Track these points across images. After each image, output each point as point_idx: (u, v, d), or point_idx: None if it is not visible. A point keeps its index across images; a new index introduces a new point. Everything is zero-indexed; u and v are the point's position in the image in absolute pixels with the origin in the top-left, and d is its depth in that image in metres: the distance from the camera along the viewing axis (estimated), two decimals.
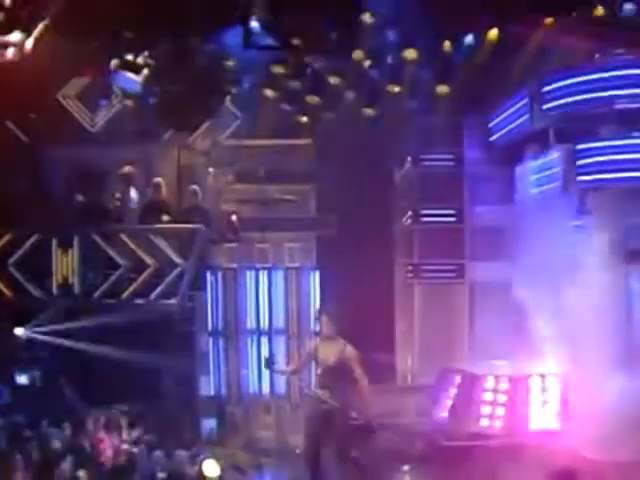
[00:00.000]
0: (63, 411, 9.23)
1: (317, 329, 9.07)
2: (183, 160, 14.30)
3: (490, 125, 12.79)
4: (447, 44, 11.26)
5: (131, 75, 12.15)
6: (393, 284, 14.26)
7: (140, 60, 11.77)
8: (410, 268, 13.01)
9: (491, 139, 12.80)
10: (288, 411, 11.67)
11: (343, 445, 8.27)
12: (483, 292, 12.77)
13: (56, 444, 7.82)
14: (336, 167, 13.42)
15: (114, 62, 11.86)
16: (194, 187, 12.66)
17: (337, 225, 13.02)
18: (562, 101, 10.58)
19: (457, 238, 12.87)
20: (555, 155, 11.12)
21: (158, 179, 12.75)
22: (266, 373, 11.71)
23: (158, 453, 9.54)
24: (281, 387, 11.72)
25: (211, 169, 13.97)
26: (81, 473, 7.17)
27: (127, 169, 12.78)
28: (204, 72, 11.60)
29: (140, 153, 13.66)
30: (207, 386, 11.98)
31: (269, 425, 11.83)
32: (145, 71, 11.90)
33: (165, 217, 12.34)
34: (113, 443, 9.21)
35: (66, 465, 6.67)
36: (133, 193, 12.72)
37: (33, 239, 12.01)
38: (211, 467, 8.65)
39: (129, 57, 11.72)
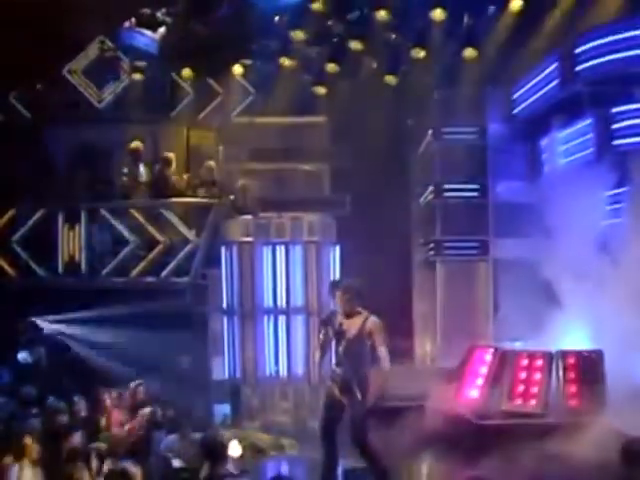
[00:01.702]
0: (73, 387, 8.71)
1: (333, 306, 8.43)
2: (192, 139, 13.87)
3: (514, 97, 12.28)
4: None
5: (148, 32, 11.65)
6: (410, 265, 13.81)
7: (158, 15, 11.28)
8: (432, 245, 12.47)
9: (515, 111, 12.28)
10: (307, 393, 11.10)
11: (359, 430, 7.66)
12: (507, 270, 12.22)
13: (64, 418, 7.30)
14: (352, 145, 13.05)
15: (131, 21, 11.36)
16: (210, 162, 12.16)
17: (352, 204, 12.53)
18: (595, 61, 10.05)
19: (480, 214, 12.32)
20: (587, 121, 10.59)
21: (168, 153, 12.25)
22: (283, 353, 11.18)
23: (172, 436, 9.06)
24: (299, 368, 11.16)
25: (221, 147, 13.51)
26: (96, 445, 6.63)
27: (135, 144, 12.33)
28: (229, 19, 11.08)
29: (148, 131, 13.23)
30: (221, 368, 11.44)
31: (287, 409, 11.26)
32: (162, 29, 11.39)
33: (176, 191, 11.84)
34: (126, 421, 8.68)
35: (77, 438, 6.14)
36: (141, 168, 12.23)
37: (38, 215, 11.55)
38: (233, 447, 8.08)
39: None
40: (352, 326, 7.68)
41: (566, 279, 10.91)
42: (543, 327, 10.88)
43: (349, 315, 7.69)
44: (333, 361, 8.08)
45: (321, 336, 7.80)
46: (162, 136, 13.37)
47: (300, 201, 12.25)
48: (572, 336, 10.51)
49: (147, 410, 9.53)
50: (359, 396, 7.44)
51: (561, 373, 9.58)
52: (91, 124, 13.12)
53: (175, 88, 13.74)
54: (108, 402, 8.61)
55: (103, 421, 8.28)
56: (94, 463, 6.53)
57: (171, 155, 12.17)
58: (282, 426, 10.96)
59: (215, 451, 5.57)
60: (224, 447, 5.60)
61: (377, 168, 12.53)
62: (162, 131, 13.48)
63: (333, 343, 7.76)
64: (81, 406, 8.13)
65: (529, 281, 11.51)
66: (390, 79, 11.56)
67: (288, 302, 11.16)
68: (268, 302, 11.21)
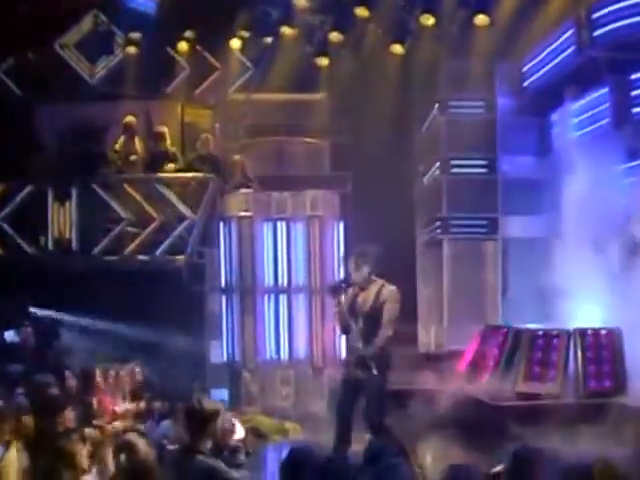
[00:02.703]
0: (62, 364, 8.23)
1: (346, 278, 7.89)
2: (188, 116, 13.37)
3: (524, 69, 11.78)
4: None
5: None
6: (414, 247, 13.33)
7: None
8: (438, 223, 11.96)
9: (525, 84, 11.79)
10: (310, 377, 10.60)
11: (375, 410, 7.17)
12: (517, 249, 11.74)
13: (54, 390, 6.82)
14: (353, 121, 12.59)
15: None
16: (206, 135, 11.64)
17: (353, 182, 12.05)
18: (614, 26, 9.55)
19: (489, 190, 11.79)
20: (603, 90, 10.11)
21: (162, 127, 11.73)
22: (285, 335, 10.66)
23: (167, 422, 8.58)
24: (301, 351, 10.66)
25: (217, 125, 13.01)
26: (87, 430, 6.16)
27: (129, 118, 11.84)
28: None
29: (141, 107, 12.73)
30: (219, 351, 10.93)
31: (288, 394, 10.75)
32: None
33: (172, 166, 11.34)
34: (119, 404, 8.20)
35: (70, 413, 5.67)
36: (136, 143, 11.72)
37: (27, 190, 11.03)
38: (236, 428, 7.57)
39: None
40: (367, 298, 7.24)
41: (579, 258, 10.48)
42: (555, 309, 10.47)
43: (363, 287, 7.20)
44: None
45: (336, 308, 7.28)
46: (156, 113, 12.86)
47: (300, 179, 11.78)
48: (585, 318, 10.08)
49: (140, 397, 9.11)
50: (375, 373, 6.95)
51: (579, 353, 9.10)
52: (83, 100, 12.61)
53: (170, 63, 13.26)
54: (100, 381, 8.11)
55: (95, 402, 7.78)
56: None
57: (165, 129, 11.67)
58: (283, 411, 10.48)
59: (194, 419, 5.05)
60: (205, 415, 5.08)
61: (379, 145, 12.02)
62: (156, 107, 12.97)
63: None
64: (72, 382, 7.65)
65: (540, 261, 11.10)
66: (397, 48, 11.04)
67: (290, 281, 10.66)
68: (269, 281, 10.70)
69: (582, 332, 9.25)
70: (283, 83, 12.53)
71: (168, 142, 11.65)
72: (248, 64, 13.22)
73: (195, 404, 5.17)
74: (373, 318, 7.20)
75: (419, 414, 8.83)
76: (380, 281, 7.42)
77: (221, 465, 5.08)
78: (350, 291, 7.27)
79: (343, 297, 7.24)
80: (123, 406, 8.36)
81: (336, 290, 7.30)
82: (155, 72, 12.95)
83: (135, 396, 8.80)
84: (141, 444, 5.02)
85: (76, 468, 4.73)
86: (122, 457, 4.93)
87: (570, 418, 8.12)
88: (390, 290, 7.36)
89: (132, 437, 5.23)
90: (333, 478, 4.14)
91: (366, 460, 4.71)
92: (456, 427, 8.54)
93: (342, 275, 9.18)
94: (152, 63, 12.93)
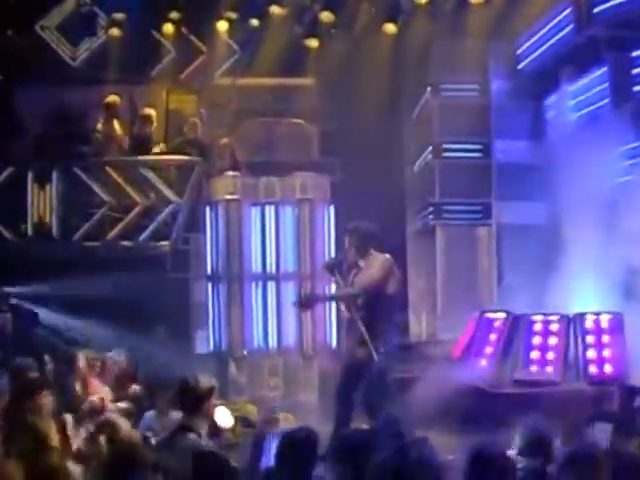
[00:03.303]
0: (42, 349, 7.85)
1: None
2: (172, 101, 13.00)
3: (519, 51, 11.50)
4: None
5: None
6: (404, 236, 13.01)
7: None
8: (430, 209, 11.64)
9: (520, 66, 11.50)
10: (300, 366, 10.24)
11: (374, 390, 6.90)
12: (512, 236, 11.44)
13: (33, 374, 6.47)
14: (342, 105, 12.26)
15: None
16: (193, 119, 11.28)
17: (342, 169, 11.71)
18: (614, 2, 9.27)
19: (483, 175, 11.50)
20: (602, 69, 9.84)
21: (149, 110, 11.35)
22: (273, 323, 10.30)
23: (150, 413, 8.23)
24: (290, 339, 10.29)
25: (203, 110, 12.64)
26: (67, 416, 5.82)
27: (112, 98, 11.42)
28: None
29: (125, 91, 12.32)
30: (205, 341, 10.56)
31: (277, 384, 10.39)
32: None
33: (156, 150, 10.96)
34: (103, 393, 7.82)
35: (46, 398, 5.31)
36: (117, 125, 11.33)
37: (5, 174, 10.61)
38: (224, 416, 7.22)
39: None
40: (362, 278, 6.91)
41: (575, 245, 10.20)
42: (550, 297, 10.20)
43: (359, 263, 6.91)
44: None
45: (334, 285, 6.99)
46: (140, 97, 12.47)
47: (288, 165, 11.43)
48: (581, 306, 9.80)
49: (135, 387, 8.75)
50: (375, 354, 6.65)
51: (579, 338, 8.81)
52: (65, 83, 12.22)
53: (155, 46, 12.88)
54: (83, 367, 7.74)
55: (78, 386, 7.41)
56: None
57: (152, 111, 11.28)
58: (272, 402, 10.12)
59: (188, 397, 4.72)
60: (200, 392, 4.75)
61: (369, 131, 11.72)
62: (140, 91, 12.58)
63: None
64: (51, 367, 7.28)
65: (535, 248, 10.85)
66: (389, 28, 10.72)
67: (278, 267, 10.29)
68: (256, 267, 10.32)
69: (582, 316, 8.98)
70: (271, 67, 12.21)
71: (154, 125, 11.26)
72: (235, 47, 12.88)
73: (190, 380, 4.83)
74: (371, 296, 6.91)
75: (414, 403, 8.56)
76: (374, 254, 7.14)
77: (216, 448, 4.74)
78: (348, 269, 6.97)
79: (338, 276, 6.95)
80: (108, 393, 7.98)
81: (331, 267, 7.01)
82: (139, 55, 12.61)
83: (119, 384, 8.42)
84: (123, 423, 4.67)
85: (50, 450, 4.36)
86: (102, 438, 4.57)
87: (570, 405, 7.89)
88: (375, 257, 7.07)
89: (113, 416, 4.88)
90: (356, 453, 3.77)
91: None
92: (453, 415, 8.25)
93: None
94: (136, 46, 12.58)
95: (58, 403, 5.83)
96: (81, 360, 7.64)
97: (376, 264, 7.03)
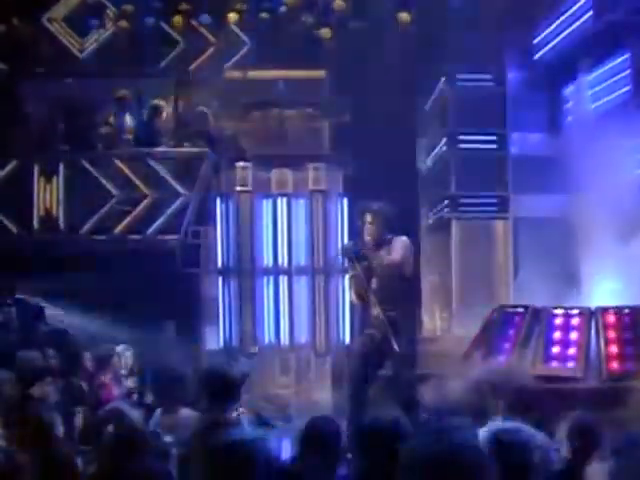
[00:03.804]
0: (47, 343, 7.62)
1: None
2: (181, 94, 12.77)
3: (536, 40, 11.24)
4: None
5: None
6: (417, 231, 12.75)
7: None
8: (446, 202, 11.38)
9: (537, 56, 11.24)
10: (312, 363, 10.00)
11: (403, 385, 6.66)
12: (529, 229, 11.17)
13: (38, 364, 6.25)
14: (354, 97, 12.02)
15: None
16: (201, 108, 11.04)
17: (353, 163, 11.46)
18: None
19: (499, 167, 11.25)
20: (623, 57, 9.57)
21: (159, 101, 11.12)
22: (285, 319, 10.06)
23: (158, 412, 8.01)
24: (302, 335, 10.05)
25: (213, 102, 12.41)
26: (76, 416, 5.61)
27: (122, 92, 11.20)
28: None
29: (133, 84, 12.11)
30: (215, 337, 10.32)
31: (289, 381, 10.15)
32: None
33: (166, 141, 10.74)
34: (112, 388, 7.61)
35: (50, 387, 5.09)
36: (128, 119, 11.11)
37: (11, 166, 10.39)
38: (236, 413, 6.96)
39: None
40: (381, 256, 6.72)
41: (595, 239, 9.93)
42: (569, 292, 9.94)
43: (377, 247, 6.70)
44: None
45: (351, 272, 6.75)
46: (149, 89, 12.26)
47: (299, 158, 11.19)
48: (602, 301, 9.52)
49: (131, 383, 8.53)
50: (395, 346, 6.41)
51: (601, 332, 8.52)
52: (71, 75, 12.03)
53: (164, 38, 12.67)
54: (89, 364, 7.53)
55: (85, 386, 7.19)
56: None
57: (162, 102, 11.06)
58: (284, 400, 9.88)
59: (217, 386, 4.42)
60: (233, 379, 4.47)
61: (381, 123, 11.48)
62: (149, 84, 12.37)
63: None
64: (56, 362, 7.06)
65: (553, 242, 10.61)
66: (403, 16, 10.46)
67: (290, 261, 10.05)
68: (268, 261, 10.09)
69: (604, 310, 8.68)
70: (282, 58, 11.97)
71: (164, 116, 11.04)
72: (245, 38, 12.67)
73: (221, 367, 4.54)
74: (388, 276, 6.76)
75: (432, 400, 8.32)
76: (394, 237, 6.99)
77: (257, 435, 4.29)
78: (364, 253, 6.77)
79: (357, 263, 6.73)
80: (116, 390, 7.76)
81: (349, 251, 6.80)
82: (148, 47, 12.43)
83: (127, 380, 8.21)
84: (130, 411, 4.43)
85: (56, 439, 4.13)
86: (109, 429, 4.32)
87: (591, 401, 7.63)
88: (401, 240, 7.00)
89: (119, 404, 4.64)
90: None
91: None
92: (471, 412, 8.00)
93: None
94: (145, 38, 12.43)
95: (64, 397, 5.62)
96: (87, 355, 7.42)
97: (398, 245, 6.87)
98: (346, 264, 7.03)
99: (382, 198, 11.10)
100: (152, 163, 10.33)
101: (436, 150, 12.00)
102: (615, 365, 8.54)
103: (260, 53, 12.36)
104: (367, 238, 6.93)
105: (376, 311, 6.68)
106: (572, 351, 8.56)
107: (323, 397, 9.74)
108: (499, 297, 11.00)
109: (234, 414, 6.77)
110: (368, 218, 6.96)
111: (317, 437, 3.84)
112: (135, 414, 4.47)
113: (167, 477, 3.59)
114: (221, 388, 4.49)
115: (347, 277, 6.99)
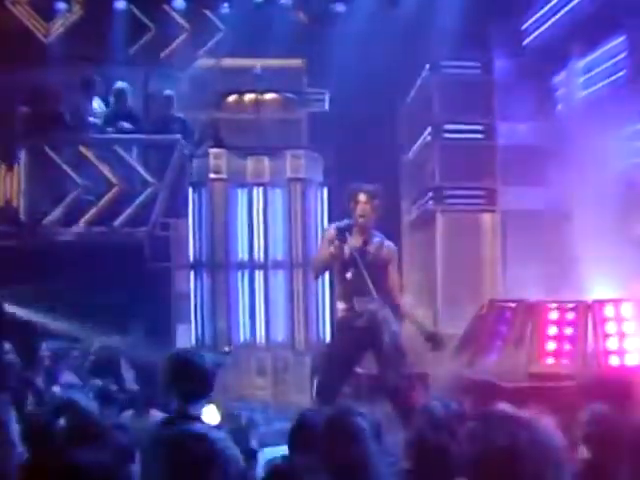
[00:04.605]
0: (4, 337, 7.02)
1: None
2: (151, 82, 12.21)
3: (524, 26, 10.78)
4: None
5: None
6: (399, 228, 12.26)
7: None
8: (430, 194, 10.85)
9: (526, 42, 10.78)
10: (290, 362, 9.41)
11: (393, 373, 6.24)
12: (518, 222, 10.69)
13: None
14: (333, 88, 11.53)
15: None
16: (168, 92, 10.47)
17: (332, 155, 10.95)
18: None
19: (486, 158, 10.73)
20: (618, 40, 9.13)
21: (122, 84, 10.53)
22: (261, 316, 9.47)
23: (127, 414, 7.45)
24: (280, 333, 9.47)
25: (185, 91, 11.85)
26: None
27: (88, 76, 10.62)
28: None
29: (101, 71, 11.54)
30: (187, 335, 9.71)
31: (265, 382, 9.55)
32: None
33: (132, 128, 10.14)
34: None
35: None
36: (95, 104, 10.52)
37: None
38: (210, 413, 6.41)
39: None
40: (370, 247, 6.40)
41: (588, 230, 9.50)
42: (562, 287, 9.49)
43: (365, 231, 6.33)
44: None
45: (332, 249, 6.35)
46: (117, 76, 11.70)
47: (275, 150, 10.65)
48: (597, 295, 9.07)
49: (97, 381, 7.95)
50: (388, 339, 5.98)
51: (598, 327, 8.03)
52: (36, 61, 11.41)
53: (134, 23, 12.12)
54: (47, 356, 6.94)
55: (40, 381, 6.59)
56: None
57: (124, 85, 10.48)
58: (260, 401, 9.30)
59: (189, 376, 3.86)
60: (206, 370, 3.91)
61: (361, 115, 10.99)
62: (117, 71, 11.81)
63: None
64: (11, 356, 6.48)
65: (542, 235, 10.17)
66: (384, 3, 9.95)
67: (267, 255, 9.46)
68: (243, 255, 9.48)
69: (601, 305, 8.20)
70: (258, 47, 11.45)
71: (128, 100, 10.46)
72: (219, 25, 12.15)
73: (190, 354, 3.98)
74: (376, 266, 6.67)
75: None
76: (378, 234, 6.90)
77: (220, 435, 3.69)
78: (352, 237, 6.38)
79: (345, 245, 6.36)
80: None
81: (343, 230, 6.42)
82: (117, 32, 11.88)
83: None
84: (83, 400, 3.86)
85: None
86: (62, 421, 3.75)
87: (589, 398, 7.16)
88: (392, 247, 6.96)
89: (71, 394, 4.06)
90: None
91: None
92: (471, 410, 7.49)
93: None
94: (114, 23, 11.89)
95: (21, 393, 5.06)
96: (45, 351, 6.83)
97: (396, 257, 7.05)
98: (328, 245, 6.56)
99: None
100: (119, 150, 9.73)
101: (419, 141, 11.48)
102: (614, 360, 8.08)
103: (236, 40, 11.86)
104: (360, 219, 6.70)
105: (361, 301, 6.31)
106: (568, 347, 8.07)
107: (302, 399, 9.18)
108: (488, 293, 10.52)
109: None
110: (362, 198, 6.80)
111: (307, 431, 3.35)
112: (92, 405, 3.89)
113: (106, 472, 2.97)
114: (190, 376, 3.90)
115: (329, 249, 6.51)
